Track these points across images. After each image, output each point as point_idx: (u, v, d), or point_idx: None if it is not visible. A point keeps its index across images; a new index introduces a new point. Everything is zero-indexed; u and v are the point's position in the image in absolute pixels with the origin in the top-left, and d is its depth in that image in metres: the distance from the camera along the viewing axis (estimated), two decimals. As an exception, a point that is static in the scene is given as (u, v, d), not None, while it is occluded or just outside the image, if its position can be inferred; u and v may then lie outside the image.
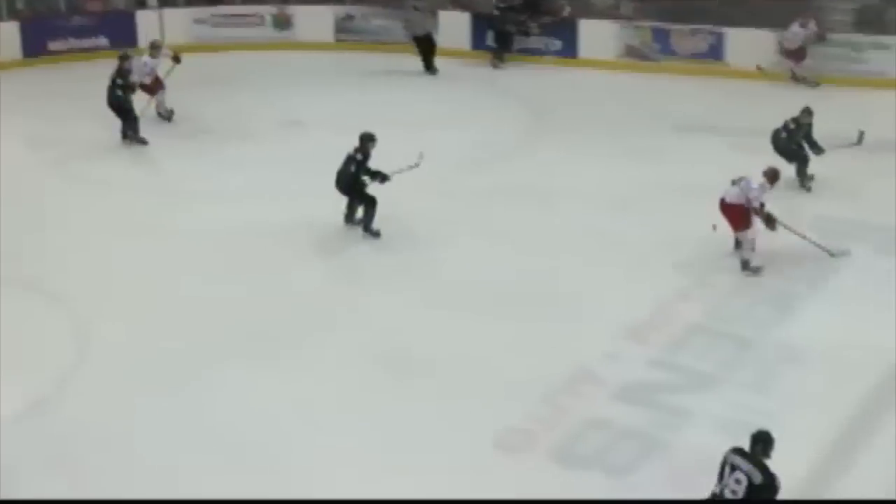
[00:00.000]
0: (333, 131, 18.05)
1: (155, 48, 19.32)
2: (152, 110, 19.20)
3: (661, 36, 22.50)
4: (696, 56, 22.27)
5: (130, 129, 18.24)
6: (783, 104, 19.60)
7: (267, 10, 24.76)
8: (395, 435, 10.45)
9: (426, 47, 22.67)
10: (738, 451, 8.47)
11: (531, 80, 22.06)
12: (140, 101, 18.65)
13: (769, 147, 15.96)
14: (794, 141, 15.81)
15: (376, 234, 14.64)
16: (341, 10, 24.78)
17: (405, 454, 10.17)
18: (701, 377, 11.37)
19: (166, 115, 19.44)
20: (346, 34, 24.74)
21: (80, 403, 11.01)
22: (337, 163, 14.46)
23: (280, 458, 10.14)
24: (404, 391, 11.17)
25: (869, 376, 11.13)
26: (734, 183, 13.62)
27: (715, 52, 22.09)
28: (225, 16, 24.70)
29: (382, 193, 14.56)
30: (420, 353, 11.91)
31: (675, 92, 21.00)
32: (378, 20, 24.52)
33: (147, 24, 23.94)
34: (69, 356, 11.90)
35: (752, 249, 13.55)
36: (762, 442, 8.47)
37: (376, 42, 24.38)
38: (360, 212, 14.80)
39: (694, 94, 20.78)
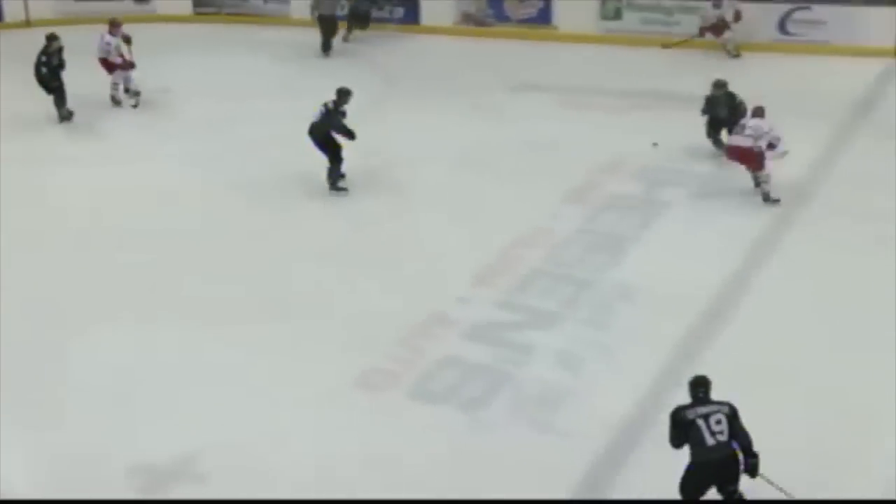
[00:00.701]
0: (208, 98, 18.04)
1: (115, 25, 17.92)
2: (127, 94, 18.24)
3: (496, 3, 22.53)
4: (527, 21, 22.41)
5: (58, 105, 17.33)
6: (605, 64, 20.08)
7: (127, -15, 23.97)
8: (267, 377, 10.47)
9: (329, 28, 21.62)
10: (686, 406, 8.18)
11: (378, 48, 21.92)
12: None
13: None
14: (732, 114, 14.98)
15: (344, 190, 14.59)
16: (199, -16, 24.24)
17: (276, 391, 10.25)
18: (543, 316, 11.54)
19: (118, 99, 18.15)
20: (205, 7, 24.30)
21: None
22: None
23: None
24: (276, 337, 11.12)
25: (691, 311, 11.41)
26: (733, 132, 14.02)
27: (544, 17, 22.25)
28: (87, -10, 23.81)
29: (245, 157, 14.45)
30: (285, 301, 11.91)
31: (509, 55, 21.09)
32: (235, -7, 24.08)
33: (12, -2, 23.05)
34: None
35: (768, 182, 13.75)
36: (703, 385, 8.25)
37: (233, 14, 23.99)
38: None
39: (526, 56, 20.91)
